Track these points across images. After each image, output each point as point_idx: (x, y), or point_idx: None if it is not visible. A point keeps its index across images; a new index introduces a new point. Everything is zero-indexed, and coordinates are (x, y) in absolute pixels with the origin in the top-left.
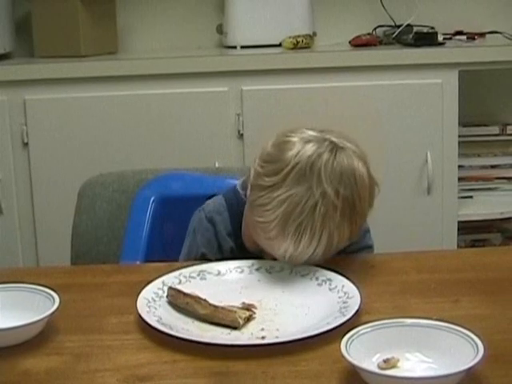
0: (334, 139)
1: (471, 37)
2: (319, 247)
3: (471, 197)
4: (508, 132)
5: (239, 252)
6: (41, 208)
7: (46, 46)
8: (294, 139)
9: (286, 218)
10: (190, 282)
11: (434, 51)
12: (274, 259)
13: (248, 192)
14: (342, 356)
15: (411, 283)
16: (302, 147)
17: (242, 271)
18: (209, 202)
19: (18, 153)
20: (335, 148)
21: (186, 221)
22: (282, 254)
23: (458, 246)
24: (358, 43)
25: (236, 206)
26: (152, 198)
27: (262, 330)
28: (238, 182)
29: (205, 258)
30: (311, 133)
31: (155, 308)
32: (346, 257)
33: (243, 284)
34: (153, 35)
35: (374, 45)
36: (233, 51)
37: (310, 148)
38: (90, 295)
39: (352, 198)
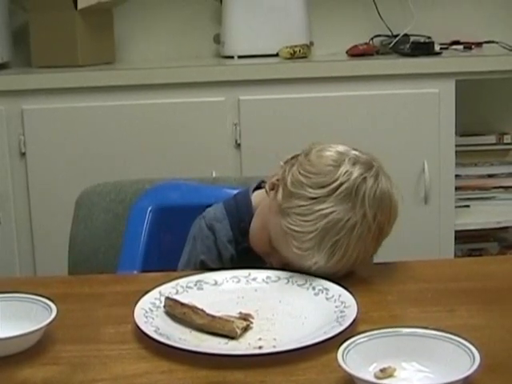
0: (377, 165)
1: (468, 46)
2: (347, 264)
3: (468, 206)
4: (505, 141)
5: (239, 259)
6: (38, 218)
7: (44, 55)
8: (342, 157)
9: (325, 232)
10: (187, 291)
11: (430, 61)
12: (272, 266)
13: (278, 196)
14: (339, 365)
15: (408, 292)
16: (350, 167)
17: (238, 281)
18: (209, 209)
19: (16, 163)
20: (379, 175)
21: (184, 230)
22: (310, 265)
23: (455, 256)
24: (355, 53)
25: (236, 213)
26: (149, 208)
27: (260, 339)
28: (252, 186)
29: (204, 266)
30: (355, 152)
31: (152, 318)
32: None
33: (240, 294)
34: (150, 45)
35: (371, 54)
36: (230, 61)
37: (357, 170)
38: (88, 305)
39: (384, 222)
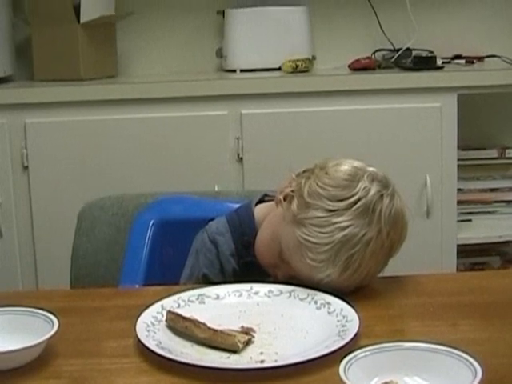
0: (392, 184)
1: (470, 61)
2: (357, 279)
3: (470, 220)
4: (507, 155)
5: (242, 272)
6: (40, 231)
7: (46, 69)
8: (360, 172)
9: (341, 245)
10: (188, 305)
11: (432, 75)
12: (276, 279)
13: (293, 207)
14: (341, 380)
15: (410, 306)
16: (368, 183)
17: (240, 295)
18: (211, 223)
19: (18, 176)
20: (394, 194)
21: (186, 244)
22: (321, 277)
23: (458, 270)
24: (357, 67)
25: (239, 227)
26: (151, 222)
27: (261, 353)
28: (254, 200)
29: (206, 279)
30: (372, 169)
31: (154, 332)
32: None
33: (242, 308)
34: (152, 59)
35: (373, 68)
36: (232, 75)
37: (374, 186)
38: (89, 319)
39: (395, 241)
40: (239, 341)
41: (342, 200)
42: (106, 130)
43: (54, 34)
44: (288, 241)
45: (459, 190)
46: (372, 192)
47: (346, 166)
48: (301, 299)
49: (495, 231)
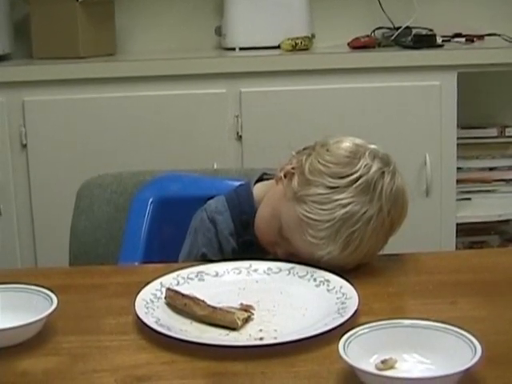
0: (394, 161)
1: (470, 39)
2: (358, 257)
3: (470, 199)
4: (507, 134)
5: (240, 251)
6: (39, 209)
7: (45, 47)
8: (362, 149)
9: (342, 222)
10: (188, 283)
11: (432, 53)
12: (276, 257)
13: (294, 184)
14: (340, 357)
15: (409, 284)
16: (370, 160)
17: (239, 272)
18: (210, 202)
19: (17, 154)
20: (396, 172)
21: (185, 222)
22: (322, 255)
23: (457, 248)
24: (357, 45)
25: (237, 206)
26: (150, 200)
27: (260, 331)
28: (253, 178)
29: (205, 258)
30: (374, 146)
31: (153, 309)
32: None
33: (241, 285)
34: (151, 37)
35: (373, 47)
36: (231, 53)
37: (376, 164)
38: (88, 296)
39: (396, 218)
40: (238, 318)
41: (343, 177)
42: (104, 107)
43: (52, 11)
44: (288, 218)
45: (459, 168)
46: (373, 169)
47: (348, 143)
48: (300, 276)
49: (494, 210)
